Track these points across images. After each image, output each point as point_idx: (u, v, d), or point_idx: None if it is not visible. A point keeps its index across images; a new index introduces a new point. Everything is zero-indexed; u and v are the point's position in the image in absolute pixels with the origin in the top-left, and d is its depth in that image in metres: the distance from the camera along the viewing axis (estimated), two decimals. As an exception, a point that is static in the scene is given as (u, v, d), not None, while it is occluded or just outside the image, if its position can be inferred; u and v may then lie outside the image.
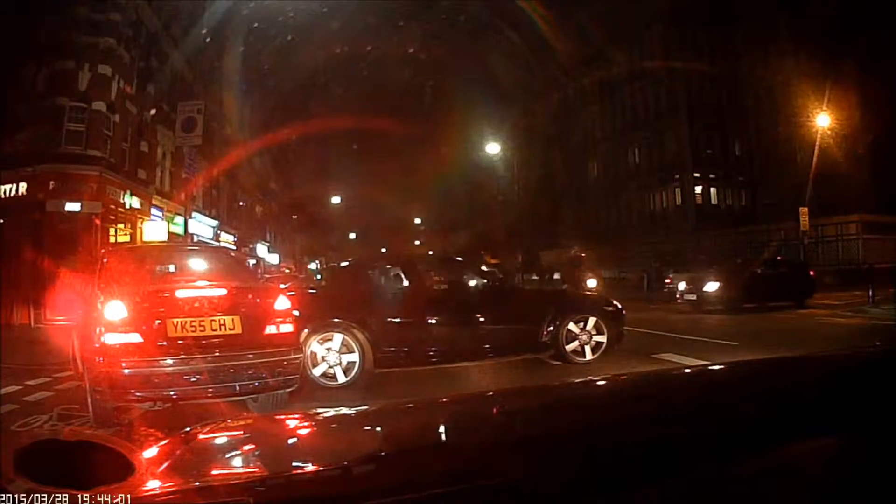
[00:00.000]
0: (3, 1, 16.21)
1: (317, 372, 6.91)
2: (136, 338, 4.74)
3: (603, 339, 7.73)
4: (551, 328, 7.68)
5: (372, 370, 7.05)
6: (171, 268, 6.15)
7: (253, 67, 34.01)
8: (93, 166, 18.99)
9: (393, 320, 7.35)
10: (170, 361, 4.77)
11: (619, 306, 8.22)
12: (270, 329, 5.22)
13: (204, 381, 4.85)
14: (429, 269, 8.72)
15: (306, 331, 6.81)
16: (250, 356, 5.02)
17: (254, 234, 44.47)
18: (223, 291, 5.25)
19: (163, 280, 5.74)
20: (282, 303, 5.41)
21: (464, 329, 7.46)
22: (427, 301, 7.63)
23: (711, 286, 15.80)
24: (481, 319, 7.60)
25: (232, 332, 5.01)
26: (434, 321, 7.43)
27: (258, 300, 5.37)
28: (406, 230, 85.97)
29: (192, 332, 4.88)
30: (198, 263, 6.39)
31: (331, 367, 6.95)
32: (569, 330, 7.68)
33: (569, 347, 7.65)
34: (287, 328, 5.33)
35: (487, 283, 8.26)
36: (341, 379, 6.93)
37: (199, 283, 5.50)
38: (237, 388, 5.02)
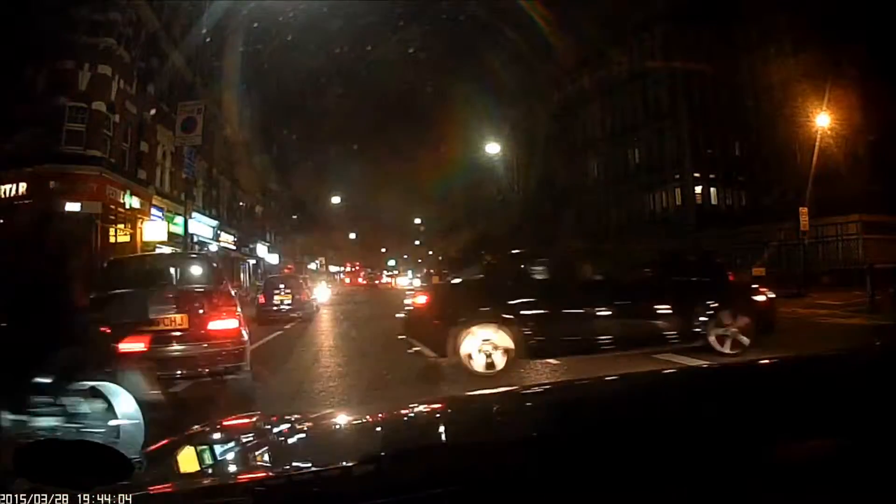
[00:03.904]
0: (2, 1, 16.20)
1: (473, 364, 7.21)
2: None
3: (751, 330, 7.63)
4: (702, 319, 7.63)
5: (524, 359, 7.25)
6: (142, 273, 7.39)
7: (253, 67, 33.98)
8: (93, 166, 18.97)
9: (545, 311, 7.48)
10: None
11: (770, 296, 8.10)
12: (213, 325, 6.20)
13: (157, 366, 5.74)
14: (582, 259, 8.77)
15: (461, 321, 7.26)
16: (195, 347, 6.06)
17: (254, 234, 44.46)
18: (176, 294, 6.40)
19: (133, 284, 6.76)
20: (226, 304, 6.45)
21: (616, 319, 7.51)
22: (579, 292, 7.71)
23: None
24: (633, 310, 7.62)
25: (180, 326, 6.07)
26: (586, 311, 7.52)
27: (205, 302, 6.38)
28: (406, 230, 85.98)
29: (149, 326, 5.94)
30: (173, 271, 7.54)
31: (488, 356, 7.22)
32: (718, 321, 7.63)
33: (715, 338, 7.59)
34: (230, 324, 6.30)
35: (641, 273, 8.27)
36: (489, 368, 7.19)
37: (157, 288, 6.61)
38: (179, 374, 6.08)
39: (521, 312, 7.38)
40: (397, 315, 12.10)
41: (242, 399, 6.58)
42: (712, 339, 7.61)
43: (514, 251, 10.10)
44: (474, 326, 7.28)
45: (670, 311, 7.69)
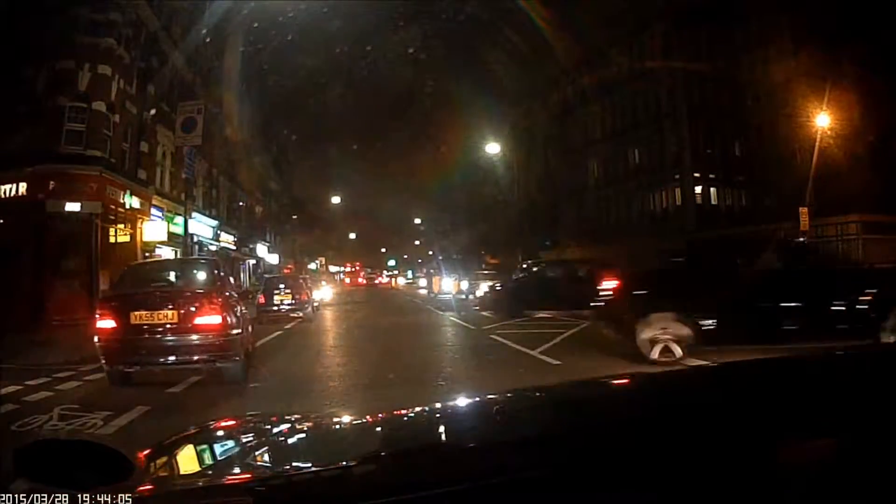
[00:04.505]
0: (3, 1, 16.18)
1: (652, 351, 7.59)
2: (112, 323, 7.01)
3: None
4: (878, 313, 7.50)
5: (701, 347, 7.50)
6: (151, 276, 8.38)
7: (253, 67, 33.94)
8: (93, 166, 18.93)
9: (722, 302, 7.62)
10: (129, 339, 6.94)
11: None
12: (200, 320, 7.06)
13: (151, 354, 7.00)
14: (758, 252, 8.86)
15: (643, 309, 7.69)
16: (184, 339, 7.00)
17: (254, 234, 44.45)
18: (169, 293, 7.37)
19: (136, 285, 7.74)
20: (213, 303, 7.24)
21: (791, 311, 7.59)
22: (756, 283, 7.79)
23: None
24: (810, 302, 7.62)
25: (171, 321, 7.00)
26: (762, 303, 7.64)
27: (194, 300, 7.23)
28: (406, 230, 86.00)
29: (146, 320, 7.00)
30: (175, 274, 8.49)
31: (665, 344, 7.56)
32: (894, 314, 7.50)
33: (889, 332, 7.45)
34: (214, 320, 7.10)
35: (817, 265, 8.36)
36: (666, 355, 7.53)
37: (157, 288, 7.59)
38: (172, 360, 7.05)
39: (699, 303, 7.63)
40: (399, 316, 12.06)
41: (242, 398, 6.61)
42: (886, 333, 7.48)
43: (691, 242, 10.34)
44: (654, 315, 7.62)
45: (847, 305, 7.67)
